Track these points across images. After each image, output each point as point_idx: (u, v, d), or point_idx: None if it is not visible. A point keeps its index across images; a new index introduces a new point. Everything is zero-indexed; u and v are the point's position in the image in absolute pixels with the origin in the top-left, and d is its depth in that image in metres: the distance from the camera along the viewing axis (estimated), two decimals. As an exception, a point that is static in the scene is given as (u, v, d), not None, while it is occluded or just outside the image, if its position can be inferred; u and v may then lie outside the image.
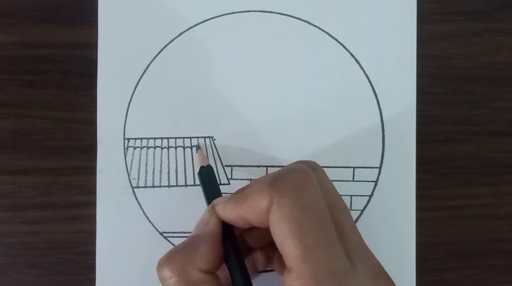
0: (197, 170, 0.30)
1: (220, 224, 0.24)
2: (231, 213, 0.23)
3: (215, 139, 0.32)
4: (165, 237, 0.31)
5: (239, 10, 0.32)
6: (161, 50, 0.32)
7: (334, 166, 0.32)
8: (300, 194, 0.21)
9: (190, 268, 0.22)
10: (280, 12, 0.33)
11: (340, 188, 0.31)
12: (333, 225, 0.21)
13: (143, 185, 0.32)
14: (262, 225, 0.22)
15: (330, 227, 0.21)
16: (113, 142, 0.32)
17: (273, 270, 0.29)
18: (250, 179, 0.32)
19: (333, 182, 0.32)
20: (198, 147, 0.31)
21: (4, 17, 0.32)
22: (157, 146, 0.32)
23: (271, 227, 0.21)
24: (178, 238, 0.31)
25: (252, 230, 0.26)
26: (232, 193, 0.25)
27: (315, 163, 0.25)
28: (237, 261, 0.24)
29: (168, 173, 0.32)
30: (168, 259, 0.23)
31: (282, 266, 0.26)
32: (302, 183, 0.22)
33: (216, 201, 0.25)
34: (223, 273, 0.24)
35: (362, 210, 0.32)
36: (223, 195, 0.27)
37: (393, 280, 0.23)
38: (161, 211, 0.32)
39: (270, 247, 0.27)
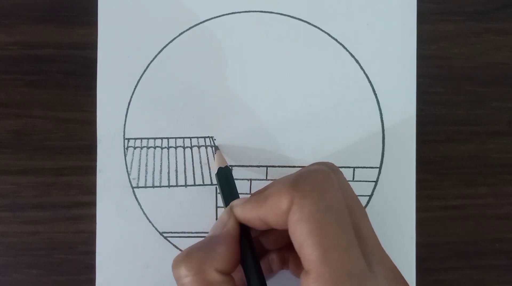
0: (214, 171, 0.29)
1: (238, 226, 0.24)
2: (250, 214, 0.23)
3: (215, 139, 0.32)
4: (165, 237, 0.31)
5: (239, 10, 0.32)
6: (161, 50, 0.32)
7: (334, 166, 0.32)
8: (321, 196, 0.21)
9: (208, 268, 0.22)
10: (280, 12, 0.33)
11: (340, 188, 0.32)
12: (352, 228, 0.21)
13: (143, 185, 0.32)
14: (281, 226, 0.22)
15: (350, 230, 0.21)
16: (113, 142, 0.32)
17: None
18: (250, 179, 0.32)
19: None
20: (217, 148, 0.31)
21: (4, 17, 0.32)
22: (157, 146, 0.32)
23: (290, 227, 0.21)
24: (178, 238, 0.31)
25: (268, 232, 0.26)
26: (251, 195, 0.25)
27: (333, 165, 0.25)
28: (253, 263, 0.24)
29: (168, 173, 0.32)
30: (186, 257, 0.23)
31: (298, 268, 0.26)
32: (323, 184, 0.22)
33: (235, 202, 0.25)
34: (238, 274, 0.24)
35: (362, 210, 0.32)
36: (240, 196, 0.27)
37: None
38: (161, 211, 0.32)
39: (285, 249, 0.27)
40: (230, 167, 0.31)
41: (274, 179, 0.27)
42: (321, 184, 0.22)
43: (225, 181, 0.28)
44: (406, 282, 0.23)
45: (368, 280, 0.20)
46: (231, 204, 0.25)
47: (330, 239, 0.20)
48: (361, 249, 0.21)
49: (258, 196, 0.23)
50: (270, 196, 0.22)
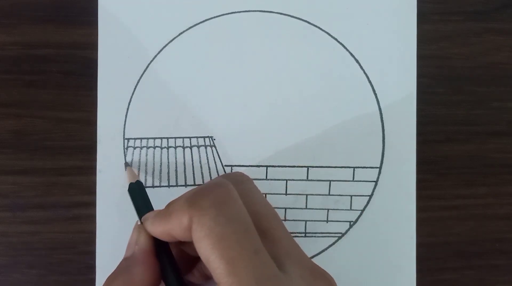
0: (126, 188, 0.29)
1: (151, 240, 0.24)
2: (158, 229, 0.23)
3: (215, 139, 0.32)
4: (165, 237, 0.31)
5: (239, 10, 0.32)
6: (161, 50, 0.32)
7: (334, 166, 0.32)
8: (219, 210, 0.21)
9: None
10: (280, 12, 0.33)
11: (340, 188, 0.32)
12: (257, 235, 0.21)
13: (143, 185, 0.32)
14: (190, 240, 0.22)
15: (254, 237, 0.21)
16: (113, 142, 0.32)
17: None
18: (250, 179, 0.32)
19: (332, 182, 0.32)
20: (127, 164, 0.31)
21: (4, 17, 0.32)
22: (157, 146, 0.32)
23: (195, 245, 0.21)
24: (178, 238, 0.31)
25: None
26: (165, 206, 0.25)
27: (242, 174, 0.25)
28: (174, 276, 0.23)
29: (168, 173, 0.32)
30: None
31: None
32: (221, 198, 0.22)
33: (146, 216, 0.25)
34: None
35: (362, 210, 0.32)
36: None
37: (332, 277, 0.23)
38: (161, 211, 0.31)
39: None
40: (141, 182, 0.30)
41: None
42: (218, 198, 0.22)
43: (137, 197, 0.28)
44: (328, 277, 0.22)
45: (281, 281, 0.20)
46: (143, 218, 0.25)
47: (233, 249, 0.20)
48: (273, 252, 0.21)
49: (165, 211, 0.23)
50: (172, 213, 0.22)
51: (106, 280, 0.23)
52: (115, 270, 0.24)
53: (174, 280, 0.23)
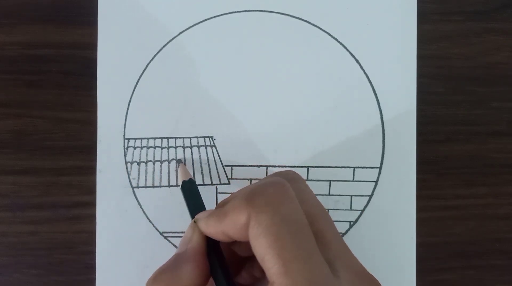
0: (180, 185, 0.29)
1: (203, 240, 0.24)
2: (213, 229, 0.23)
3: (215, 139, 0.32)
4: (165, 237, 0.31)
5: (239, 10, 0.32)
6: (161, 50, 0.32)
7: (334, 166, 0.32)
8: (277, 208, 0.21)
9: None
10: (280, 12, 0.33)
11: (340, 188, 0.32)
12: (312, 236, 0.21)
13: (143, 185, 0.32)
14: (244, 239, 0.22)
15: (310, 238, 0.21)
16: (113, 142, 0.32)
17: None
18: (250, 179, 0.32)
19: (333, 182, 0.32)
20: (180, 161, 0.31)
21: (4, 17, 0.32)
22: (157, 146, 0.32)
23: (251, 242, 0.21)
24: (178, 238, 0.31)
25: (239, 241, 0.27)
26: (216, 206, 0.25)
27: (294, 173, 0.25)
28: (223, 276, 0.23)
29: (168, 173, 0.32)
30: (154, 281, 0.23)
31: None
32: (278, 197, 0.22)
33: (199, 216, 0.25)
34: None
35: (362, 210, 0.32)
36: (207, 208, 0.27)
37: (380, 284, 0.23)
38: (161, 211, 0.32)
39: None
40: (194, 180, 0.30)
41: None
42: (275, 196, 0.22)
43: (189, 195, 0.28)
44: (376, 282, 0.22)
45: (332, 285, 0.20)
46: (195, 217, 0.25)
47: (289, 250, 0.20)
48: (325, 255, 0.21)
49: (220, 211, 0.23)
50: (229, 212, 0.22)
51: (155, 272, 0.23)
52: (164, 264, 0.24)
53: (223, 280, 0.23)
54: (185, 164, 0.31)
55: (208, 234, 0.24)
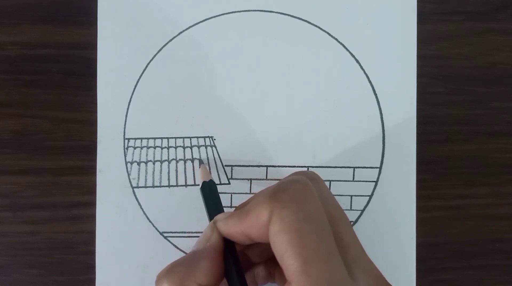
0: (200, 185, 0.29)
1: (221, 240, 0.24)
2: (233, 229, 0.23)
3: (215, 139, 0.32)
4: (165, 237, 0.31)
5: (239, 10, 0.32)
6: (160, 49, 0.32)
7: (334, 166, 0.32)
8: (301, 206, 0.21)
9: (189, 283, 0.22)
10: (280, 11, 0.33)
11: (340, 188, 0.32)
12: (332, 237, 0.21)
13: (143, 185, 0.32)
14: (264, 240, 0.22)
15: (330, 239, 0.21)
16: (113, 142, 0.32)
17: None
18: (250, 179, 0.32)
19: (333, 182, 0.32)
20: (201, 161, 0.31)
21: (4, 17, 0.32)
22: (157, 146, 0.32)
23: (271, 239, 0.21)
24: (178, 238, 0.31)
25: (253, 245, 0.26)
26: (234, 209, 0.25)
27: (314, 173, 0.25)
28: (238, 277, 0.24)
29: (168, 173, 0.32)
30: (168, 272, 0.23)
31: (283, 280, 0.26)
32: (302, 194, 0.22)
33: (218, 217, 0.25)
34: None
35: (362, 210, 0.32)
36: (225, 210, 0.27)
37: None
38: (161, 211, 0.32)
39: (271, 262, 0.27)
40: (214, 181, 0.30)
41: (255, 192, 0.26)
42: (300, 194, 0.22)
43: (209, 195, 0.28)
44: None
45: None
46: (215, 218, 0.25)
47: (310, 249, 0.20)
48: (343, 257, 0.21)
49: (240, 211, 0.23)
50: (251, 210, 0.22)
51: (170, 264, 0.23)
52: (181, 258, 0.24)
53: (237, 281, 0.24)
54: (207, 164, 0.31)
55: (227, 235, 0.24)
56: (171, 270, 0.23)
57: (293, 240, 0.20)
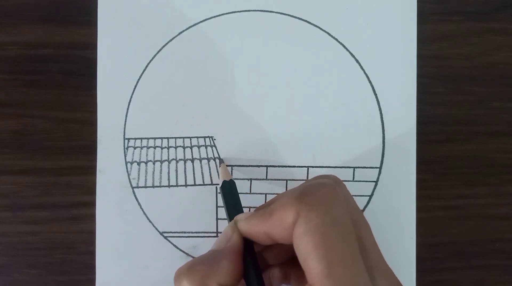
0: (219, 184, 0.29)
1: (242, 240, 0.24)
2: (255, 228, 0.23)
3: (215, 139, 0.32)
4: (165, 237, 0.31)
5: (239, 10, 0.32)
6: (160, 49, 0.32)
7: (334, 166, 0.32)
8: (328, 209, 0.21)
9: (210, 282, 0.22)
10: (280, 11, 0.33)
11: (340, 188, 0.32)
12: (356, 243, 0.21)
13: (143, 185, 0.32)
14: (286, 241, 0.22)
15: (355, 244, 0.21)
16: (113, 142, 0.32)
17: None
18: (250, 179, 0.32)
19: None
20: (222, 161, 0.31)
21: (4, 17, 0.32)
22: (157, 146, 0.32)
23: (295, 240, 0.21)
24: (178, 238, 0.31)
25: (271, 247, 0.26)
26: (256, 209, 0.25)
27: (337, 177, 0.25)
28: (256, 278, 0.24)
29: (168, 173, 0.32)
30: (189, 270, 0.23)
31: (300, 283, 0.26)
32: (329, 198, 0.22)
33: (239, 217, 0.25)
34: None
35: (362, 210, 0.32)
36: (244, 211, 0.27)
37: None
38: (161, 211, 0.32)
39: (288, 264, 0.27)
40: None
41: (277, 194, 0.26)
42: (327, 197, 0.22)
43: (230, 195, 0.28)
44: None
45: None
46: (235, 218, 0.25)
47: (335, 253, 0.20)
48: (365, 262, 0.21)
49: (264, 210, 0.23)
50: (276, 210, 0.22)
51: (190, 261, 0.23)
52: (201, 256, 0.24)
53: (256, 282, 0.23)
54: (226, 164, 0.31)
55: (248, 235, 0.24)
56: (192, 268, 0.23)
57: (318, 244, 0.20)
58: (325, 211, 0.21)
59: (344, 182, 0.31)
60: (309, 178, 0.32)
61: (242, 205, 0.28)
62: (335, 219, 0.21)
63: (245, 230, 0.24)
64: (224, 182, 0.29)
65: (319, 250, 0.20)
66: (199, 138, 0.32)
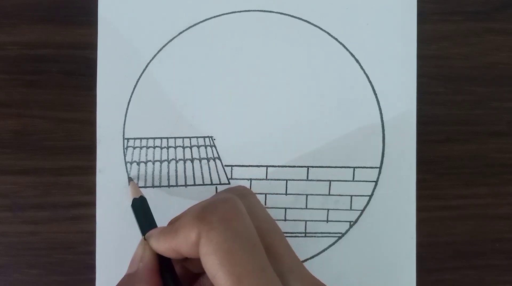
0: (130, 203, 0.29)
1: (155, 257, 0.24)
2: (164, 246, 0.23)
3: (215, 139, 0.32)
4: (165, 237, 0.31)
5: (239, 10, 0.32)
6: (160, 50, 0.32)
7: (334, 166, 0.32)
8: (228, 225, 0.21)
9: None
10: (280, 11, 0.33)
11: (340, 188, 0.32)
12: (264, 251, 0.21)
13: (143, 185, 0.32)
14: (196, 256, 0.22)
15: (261, 253, 0.21)
16: (113, 142, 0.32)
17: None
18: (250, 179, 0.32)
19: (333, 182, 0.32)
20: (130, 179, 0.31)
21: (4, 17, 0.32)
22: (157, 146, 0.32)
23: (202, 260, 0.21)
24: (178, 238, 0.31)
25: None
26: (168, 223, 0.25)
27: (245, 188, 0.26)
28: None
29: (168, 173, 0.32)
30: None
31: None
32: (229, 213, 0.22)
33: (150, 233, 0.25)
34: None
35: (362, 210, 0.32)
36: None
37: None
38: (161, 211, 0.31)
39: None
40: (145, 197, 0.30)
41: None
42: (227, 213, 0.22)
43: (141, 212, 0.28)
44: None
45: None
46: (146, 235, 0.25)
47: (241, 266, 0.20)
48: (278, 268, 0.21)
49: (170, 228, 0.23)
50: (180, 229, 0.22)
51: None
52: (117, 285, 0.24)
53: None
54: (136, 182, 0.31)
55: (159, 251, 0.24)
56: None
57: (223, 261, 0.20)
58: (226, 227, 0.21)
59: (344, 182, 0.32)
60: (308, 178, 0.32)
61: None
62: (237, 234, 0.21)
63: (156, 248, 0.24)
64: (134, 200, 0.28)
65: (225, 266, 0.20)
66: (199, 138, 0.32)
